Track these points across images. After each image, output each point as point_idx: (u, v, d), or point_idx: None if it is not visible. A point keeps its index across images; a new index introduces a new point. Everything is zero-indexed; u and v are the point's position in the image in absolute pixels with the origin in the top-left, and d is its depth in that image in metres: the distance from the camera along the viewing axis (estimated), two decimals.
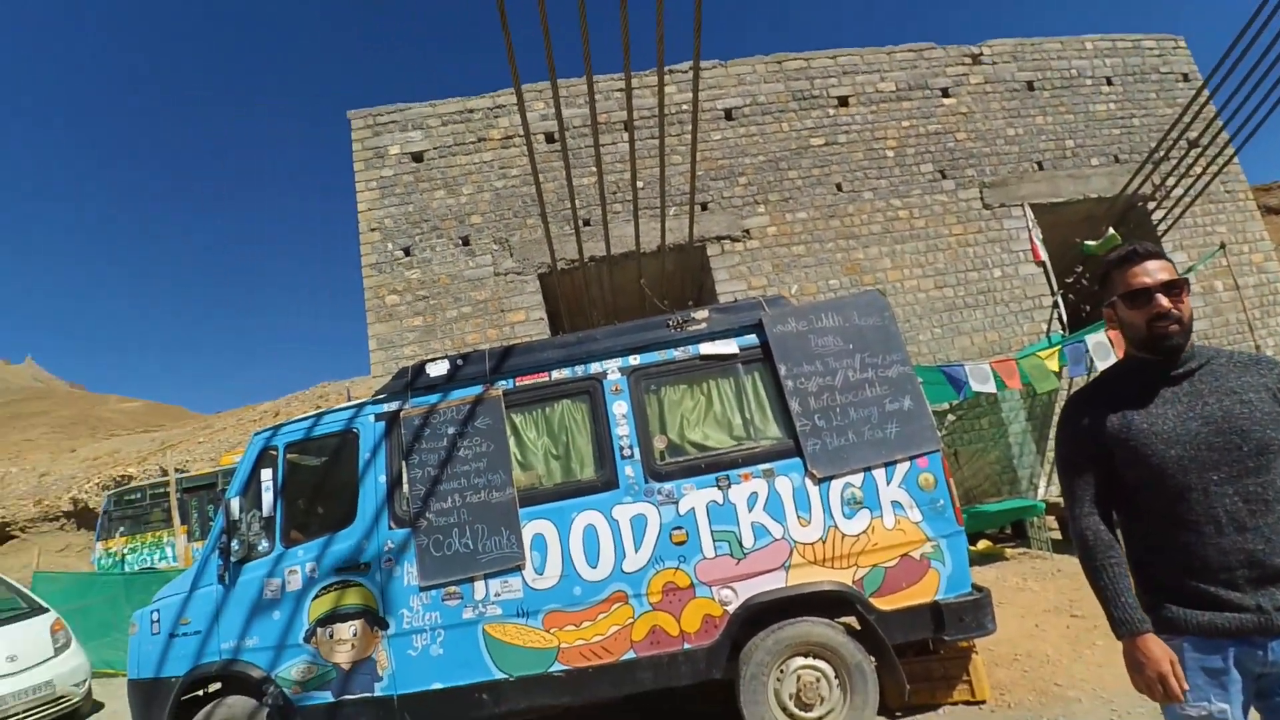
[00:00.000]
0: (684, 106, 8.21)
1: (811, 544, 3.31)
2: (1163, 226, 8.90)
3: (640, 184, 6.88)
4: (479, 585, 3.36)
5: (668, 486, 3.40)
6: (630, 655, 3.25)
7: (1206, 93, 7.81)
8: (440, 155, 8.26)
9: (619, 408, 3.56)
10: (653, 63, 7.24)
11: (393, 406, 3.68)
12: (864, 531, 3.32)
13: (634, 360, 3.66)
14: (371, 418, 3.67)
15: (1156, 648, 1.51)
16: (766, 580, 3.28)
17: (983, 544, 6.60)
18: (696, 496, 3.39)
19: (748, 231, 7.98)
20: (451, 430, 3.57)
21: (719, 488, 3.39)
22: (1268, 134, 9.05)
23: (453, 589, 3.36)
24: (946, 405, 7.43)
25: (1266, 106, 7.17)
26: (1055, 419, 8.35)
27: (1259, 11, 6.46)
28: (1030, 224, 8.46)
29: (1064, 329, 8.15)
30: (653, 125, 8.08)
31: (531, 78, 9.01)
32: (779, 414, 3.58)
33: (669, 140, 7.24)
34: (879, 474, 3.42)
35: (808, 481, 3.38)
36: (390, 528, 3.47)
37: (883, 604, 3.25)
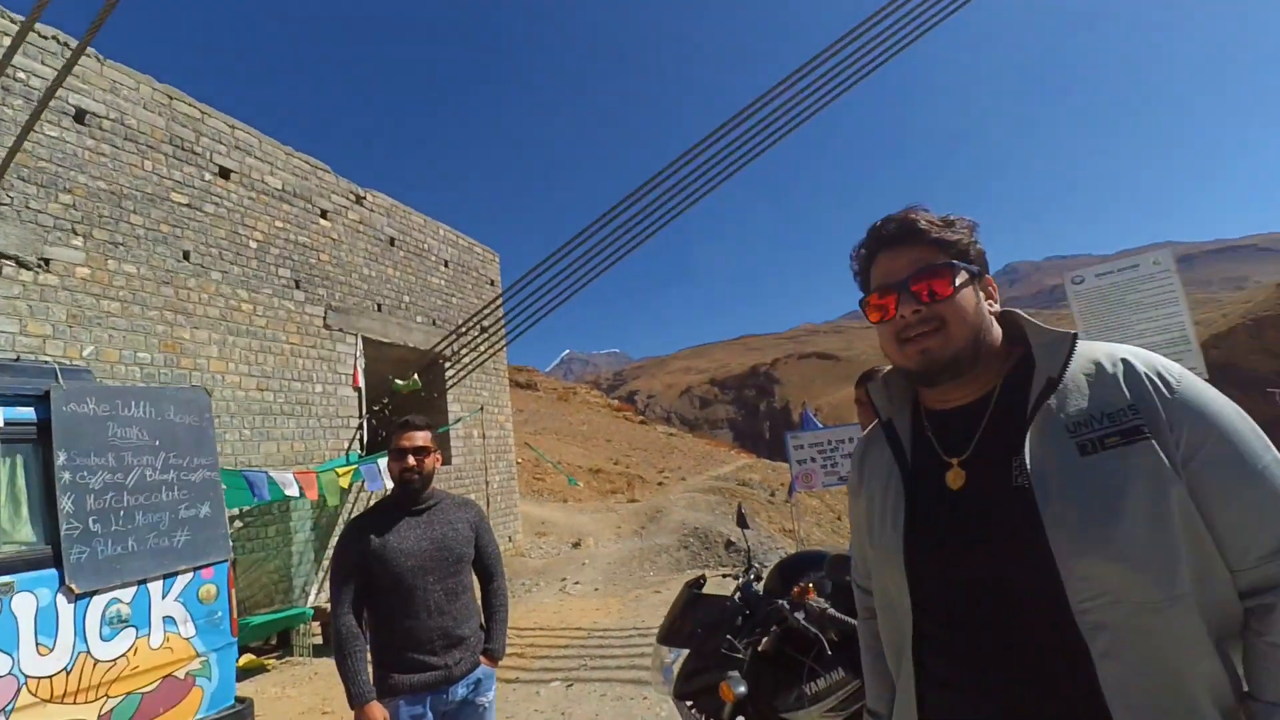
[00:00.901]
0: (20, 76, 6.19)
1: (51, 677, 2.80)
2: (451, 382, 11.63)
3: None
4: None
5: None
6: None
7: (502, 299, 11.10)
8: None
9: None
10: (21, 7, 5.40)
11: None
12: (124, 654, 3.04)
13: None
14: None
15: (376, 711, 2.20)
16: None
17: (244, 659, 6.29)
18: None
19: (47, 261, 6.29)
20: None
21: None
22: (526, 339, 13.37)
23: None
24: (236, 511, 7.29)
25: (528, 324, 10.82)
26: (339, 530, 9.23)
27: (526, 276, 9.94)
28: (358, 353, 9.66)
29: (363, 450, 9.36)
30: None
31: None
32: (40, 513, 3.01)
33: None
34: (155, 587, 3.24)
35: (62, 598, 2.90)
36: None
37: None
